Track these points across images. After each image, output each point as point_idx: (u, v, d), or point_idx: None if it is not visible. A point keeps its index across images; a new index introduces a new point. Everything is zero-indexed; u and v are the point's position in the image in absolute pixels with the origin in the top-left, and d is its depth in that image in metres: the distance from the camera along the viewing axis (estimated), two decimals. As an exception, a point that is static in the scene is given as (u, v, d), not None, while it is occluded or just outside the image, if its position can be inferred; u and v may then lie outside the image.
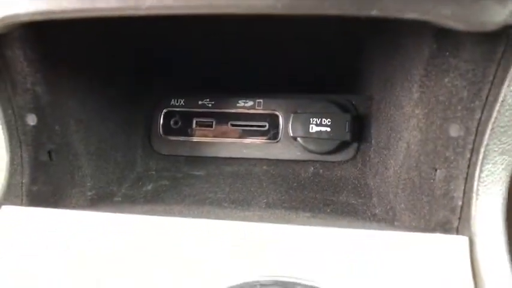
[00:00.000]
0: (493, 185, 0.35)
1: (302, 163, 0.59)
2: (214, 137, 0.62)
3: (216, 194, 0.54)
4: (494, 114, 0.34)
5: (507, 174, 0.35)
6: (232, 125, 0.61)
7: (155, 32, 0.51)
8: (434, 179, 0.38)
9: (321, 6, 0.26)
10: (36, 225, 0.39)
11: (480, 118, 0.35)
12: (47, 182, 0.45)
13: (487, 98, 0.34)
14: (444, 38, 0.34)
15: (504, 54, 0.33)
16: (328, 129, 0.57)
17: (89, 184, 0.49)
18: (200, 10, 0.28)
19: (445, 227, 0.36)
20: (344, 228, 0.37)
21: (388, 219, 0.43)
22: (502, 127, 0.34)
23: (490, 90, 0.34)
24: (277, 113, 0.60)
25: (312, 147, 0.58)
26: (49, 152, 0.45)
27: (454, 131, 0.36)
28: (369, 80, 0.57)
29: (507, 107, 0.33)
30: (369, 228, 0.38)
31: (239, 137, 0.61)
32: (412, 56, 0.40)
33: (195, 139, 0.62)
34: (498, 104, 0.34)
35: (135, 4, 0.29)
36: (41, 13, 0.31)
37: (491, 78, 0.34)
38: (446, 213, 0.37)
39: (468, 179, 0.36)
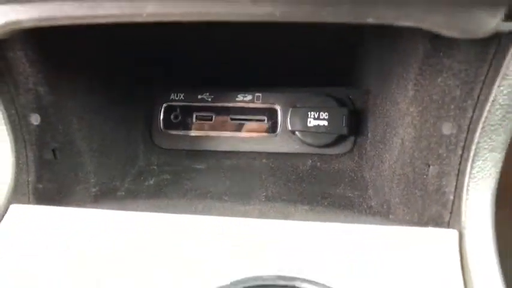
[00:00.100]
0: (483, 180, 0.36)
1: (300, 156, 0.60)
2: (214, 130, 0.63)
3: (217, 187, 0.55)
4: (485, 113, 0.35)
5: (496, 170, 0.36)
6: (232, 119, 0.62)
7: (155, 32, 0.51)
8: (427, 175, 0.39)
9: (318, 15, 0.27)
10: (45, 223, 0.41)
11: (472, 117, 0.36)
12: (52, 180, 0.46)
13: (478, 97, 0.36)
14: (438, 39, 0.35)
15: (495, 55, 0.34)
16: (326, 123, 0.58)
17: (92, 180, 0.50)
18: (200, 17, 0.28)
19: (437, 221, 0.38)
20: (342, 223, 0.39)
21: (383, 213, 0.45)
22: (492, 125, 0.35)
23: (481, 89, 0.35)
24: (275, 107, 0.61)
25: (310, 140, 0.59)
26: (53, 151, 0.46)
27: (447, 129, 0.38)
28: (366, 74, 0.58)
29: (497, 106, 0.34)
30: (365, 222, 0.40)
31: (238, 131, 0.62)
32: (408, 53, 0.41)
33: (195, 133, 0.63)
34: (489, 103, 0.35)
35: (135, 11, 0.29)
36: (44, 19, 0.31)
37: (482, 78, 0.35)
38: (438, 208, 0.38)
39: (459, 175, 0.37)
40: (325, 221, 0.40)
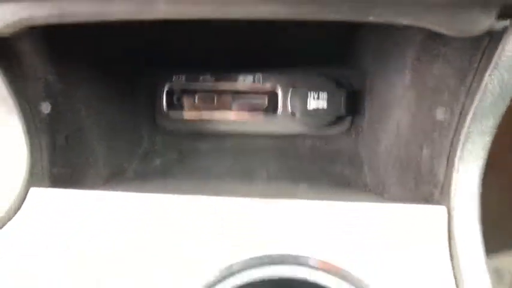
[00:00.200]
0: (471, 162, 0.39)
1: (300, 137, 0.63)
2: (216, 111, 0.64)
3: (220, 168, 0.58)
4: (477, 99, 0.37)
5: (484, 153, 0.39)
6: (233, 100, 0.64)
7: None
8: (421, 157, 0.42)
9: (322, 12, 0.29)
10: (63, 205, 0.43)
11: (464, 103, 0.39)
12: (65, 165, 0.48)
13: (471, 84, 0.38)
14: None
15: (489, 44, 0.36)
16: (325, 104, 0.60)
17: (102, 164, 0.53)
18: (212, 15, 0.30)
19: (428, 199, 0.41)
20: (340, 202, 0.42)
21: (378, 191, 0.48)
22: (482, 111, 0.38)
23: (474, 77, 0.37)
24: (276, 88, 0.63)
25: (309, 121, 0.61)
26: (65, 137, 0.48)
27: (440, 114, 0.40)
28: (364, 56, 0.59)
29: (488, 93, 0.37)
30: (362, 200, 0.43)
31: (240, 112, 0.64)
32: (406, 40, 0.42)
33: (196, 114, 0.65)
34: (480, 91, 0.37)
35: (150, 9, 0.30)
36: (56, 16, 0.32)
37: (475, 66, 0.37)
38: (430, 187, 0.41)
39: (450, 157, 0.40)
40: (324, 199, 0.43)
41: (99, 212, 0.43)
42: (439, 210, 0.40)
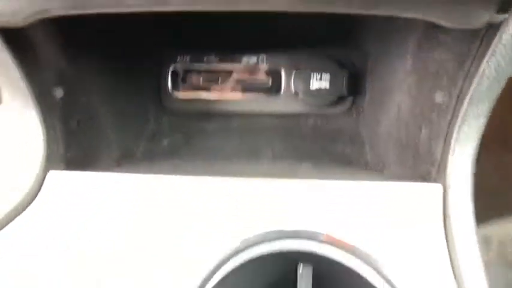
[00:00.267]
0: (466, 143, 0.42)
1: (303, 116, 0.65)
2: (220, 92, 0.66)
3: (226, 148, 0.60)
4: (474, 84, 0.39)
5: (479, 135, 0.41)
6: (237, 80, 0.65)
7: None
8: (419, 138, 0.44)
9: (332, 4, 0.30)
10: (81, 187, 0.46)
11: (462, 87, 0.41)
12: (79, 149, 0.50)
13: (469, 69, 0.40)
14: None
15: (487, 32, 0.37)
16: (327, 84, 0.62)
17: (114, 146, 0.55)
18: (227, 7, 0.31)
19: (425, 177, 0.44)
20: (342, 181, 0.45)
21: (379, 169, 0.51)
22: (479, 95, 0.40)
23: (472, 63, 0.39)
24: (280, 69, 0.64)
25: (312, 101, 0.63)
26: (77, 122, 0.50)
27: (439, 97, 0.42)
28: (366, 38, 0.60)
29: (485, 78, 0.39)
30: (363, 178, 0.46)
31: (244, 92, 0.65)
32: (408, 26, 0.44)
33: (201, 95, 0.66)
34: (478, 76, 0.39)
35: (163, 1, 0.31)
36: (72, 8, 0.33)
37: (474, 52, 0.39)
38: (427, 166, 0.44)
39: (447, 138, 0.43)
40: (327, 178, 0.46)
41: (114, 193, 0.46)
42: (436, 187, 0.43)
